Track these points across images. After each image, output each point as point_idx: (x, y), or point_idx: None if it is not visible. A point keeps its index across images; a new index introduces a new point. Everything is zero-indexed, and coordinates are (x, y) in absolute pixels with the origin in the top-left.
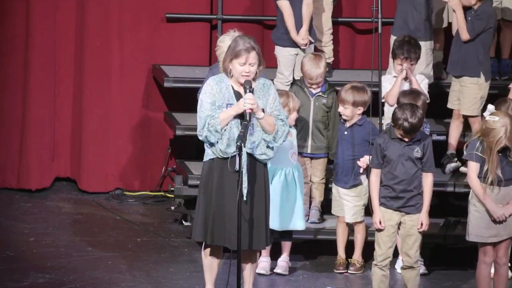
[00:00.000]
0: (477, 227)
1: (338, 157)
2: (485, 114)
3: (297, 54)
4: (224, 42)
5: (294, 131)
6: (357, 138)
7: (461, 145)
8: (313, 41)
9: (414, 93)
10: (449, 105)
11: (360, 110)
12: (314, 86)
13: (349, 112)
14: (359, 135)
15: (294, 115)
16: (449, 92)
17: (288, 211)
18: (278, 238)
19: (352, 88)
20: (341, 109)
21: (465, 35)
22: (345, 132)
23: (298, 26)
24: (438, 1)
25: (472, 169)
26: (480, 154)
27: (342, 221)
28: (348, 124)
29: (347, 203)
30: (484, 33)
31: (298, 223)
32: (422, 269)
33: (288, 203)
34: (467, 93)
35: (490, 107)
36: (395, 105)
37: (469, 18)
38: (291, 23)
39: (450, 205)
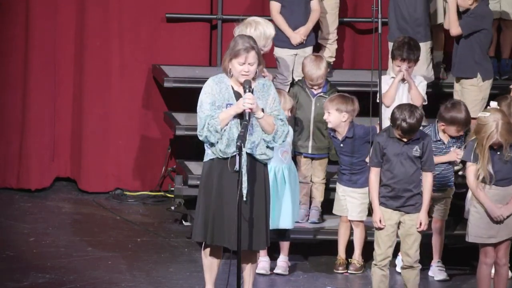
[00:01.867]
0: (476, 228)
1: (342, 164)
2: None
3: (296, 55)
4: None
5: (290, 130)
6: (356, 146)
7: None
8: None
9: (455, 105)
10: None
11: (345, 117)
12: (315, 87)
13: (333, 118)
14: (355, 144)
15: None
16: (448, 92)
17: (276, 210)
18: (275, 238)
19: (339, 96)
20: (326, 116)
21: (454, 30)
22: (341, 145)
23: (294, 29)
24: (434, 1)
25: (471, 170)
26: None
27: (345, 221)
28: (340, 137)
29: (354, 201)
30: (478, 33)
31: (286, 222)
32: (443, 275)
33: (277, 202)
34: (468, 95)
35: (493, 103)
36: (392, 107)
37: (463, 16)
38: (281, 23)
39: (450, 205)
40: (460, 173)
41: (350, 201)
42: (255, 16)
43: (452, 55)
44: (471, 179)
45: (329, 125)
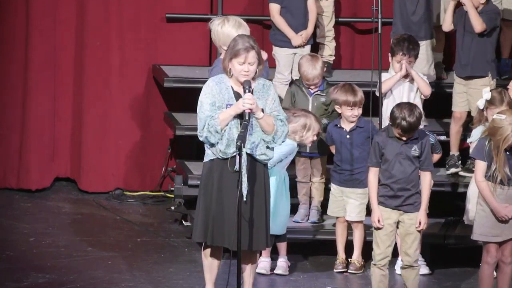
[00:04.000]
0: (482, 226)
1: (343, 160)
2: (478, 103)
3: (295, 54)
4: (217, 28)
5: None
6: (361, 138)
7: (461, 145)
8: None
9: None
10: (455, 108)
11: None
12: (312, 87)
13: (360, 111)
14: (363, 135)
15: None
16: (449, 92)
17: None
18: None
19: (352, 87)
20: (355, 112)
21: (480, 26)
22: (347, 136)
23: (295, 29)
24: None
25: (479, 168)
26: (488, 153)
27: (342, 221)
28: (348, 128)
29: (353, 201)
30: (491, 31)
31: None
32: (426, 270)
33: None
34: (478, 95)
35: (485, 90)
36: (390, 104)
37: (484, 12)
38: (282, 25)
39: (450, 205)
40: (461, 173)
41: (349, 202)
42: (254, 16)
43: (457, 56)
44: (479, 177)
45: (354, 119)
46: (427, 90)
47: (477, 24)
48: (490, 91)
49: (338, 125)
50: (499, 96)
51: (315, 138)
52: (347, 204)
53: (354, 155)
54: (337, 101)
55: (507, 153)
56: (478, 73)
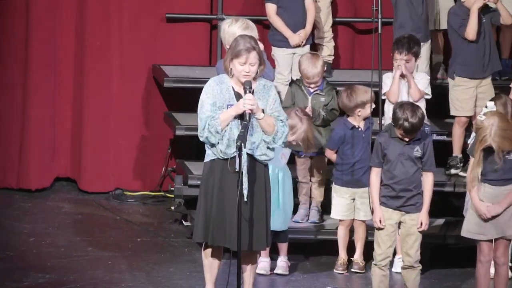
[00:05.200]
0: (468, 223)
1: (357, 160)
2: (481, 113)
3: (294, 54)
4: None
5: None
6: (370, 134)
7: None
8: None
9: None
10: (463, 113)
11: None
12: (312, 85)
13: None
14: (370, 131)
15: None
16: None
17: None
18: (272, 239)
19: (359, 86)
20: (368, 110)
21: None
22: (364, 135)
23: (293, 29)
24: (434, 3)
25: (470, 165)
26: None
27: (346, 225)
28: (363, 126)
29: (367, 201)
30: None
31: (277, 224)
32: None
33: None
34: (491, 91)
35: (490, 104)
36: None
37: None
38: (279, 24)
39: (450, 205)
40: (461, 173)
41: (363, 202)
42: (254, 16)
43: (478, 57)
44: (468, 174)
45: (368, 115)
46: (417, 96)
47: (507, 15)
48: (495, 103)
49: (356, 126)
50: (504, 110)
51: (293, 143)
52: (363, 204)
53: (368, 151)
54: (363, 102)
55: (484, 153)
56: (498, 67)
